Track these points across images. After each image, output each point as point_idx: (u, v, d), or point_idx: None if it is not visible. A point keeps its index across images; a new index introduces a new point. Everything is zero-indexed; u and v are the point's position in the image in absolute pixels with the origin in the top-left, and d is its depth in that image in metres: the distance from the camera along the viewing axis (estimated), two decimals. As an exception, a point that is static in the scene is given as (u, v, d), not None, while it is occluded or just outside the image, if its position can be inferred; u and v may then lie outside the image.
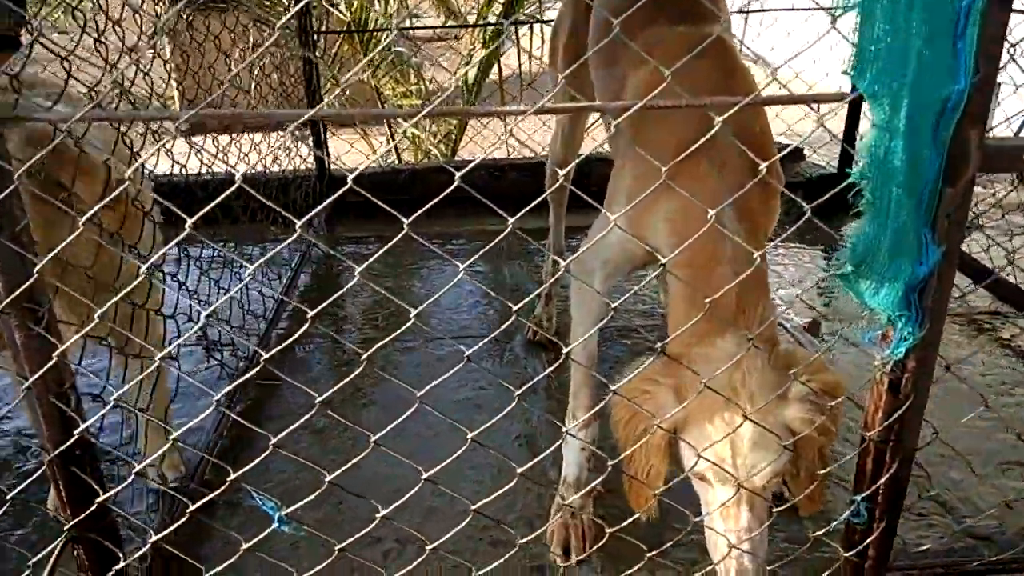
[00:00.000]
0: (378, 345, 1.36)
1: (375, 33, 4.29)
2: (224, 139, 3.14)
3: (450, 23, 4.48)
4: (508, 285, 3.39)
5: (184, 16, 3.05)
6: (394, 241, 1.23)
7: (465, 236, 3.87)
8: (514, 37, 4.37)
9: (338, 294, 1.40)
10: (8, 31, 1.23)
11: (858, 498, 1.47)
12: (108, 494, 1.34)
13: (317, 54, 4.16)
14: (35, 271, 1.17)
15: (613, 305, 1.69)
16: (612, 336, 2.91)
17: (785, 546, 1.94)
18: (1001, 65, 1.24)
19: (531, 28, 4.23)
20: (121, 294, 1.25)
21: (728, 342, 1.49)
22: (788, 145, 3.23)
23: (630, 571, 1.59)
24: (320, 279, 3.50)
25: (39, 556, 1.48)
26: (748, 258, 1.55)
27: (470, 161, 4.38)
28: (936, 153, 1.25)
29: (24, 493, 1.42)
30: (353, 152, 4.33)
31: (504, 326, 1.80)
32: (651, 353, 1.52)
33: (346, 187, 1.15)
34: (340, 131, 4.43)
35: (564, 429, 1.89)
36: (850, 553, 1.53)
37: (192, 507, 1.34)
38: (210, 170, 3.05)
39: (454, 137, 4.72)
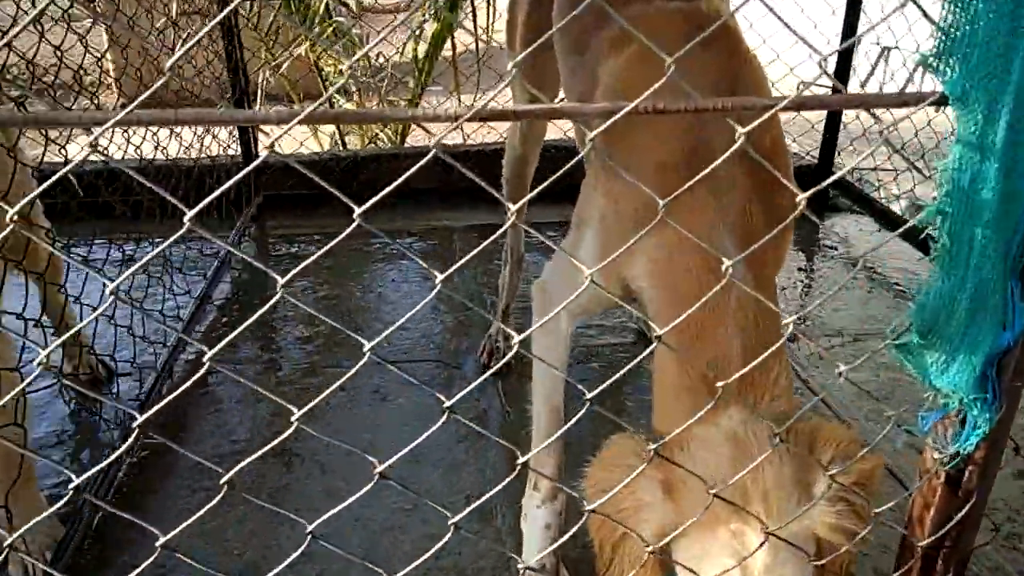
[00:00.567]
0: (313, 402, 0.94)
1: (312, 2, 3.82)
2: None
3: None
4: (460, 294, 2.97)
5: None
6: (339, 239, 0.85)
7: (414, 233, 3.45)
8: (469, 10, 3.93)
9: (250, 320, 0.99)
10: None
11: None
12: None
13: (247, 24, 3.69)
14: None
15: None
16: (577, 356, 2.54)
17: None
18: None
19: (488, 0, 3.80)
20: None
21: (733, 420, 1.11)
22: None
23: None
24: (245, 288, 3.04)
25: None
26: (757, 308, 1.18)
27: (420, 148, 3.98)
28: (1040, 180, 0.88)
29: None
30: (290, 137, 3.87)
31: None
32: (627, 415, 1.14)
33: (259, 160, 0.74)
34: (272, 109, 3.95)
35: (523, 511, 1.52)
36: None
37: None
38: (138, 151, 2.63)
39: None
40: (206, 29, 0.86)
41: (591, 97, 1.53)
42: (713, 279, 1.21)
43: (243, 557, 1.82)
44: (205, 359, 0.84)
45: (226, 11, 0.82)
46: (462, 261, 0.89)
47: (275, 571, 0.96)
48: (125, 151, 2.66)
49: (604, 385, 0.91)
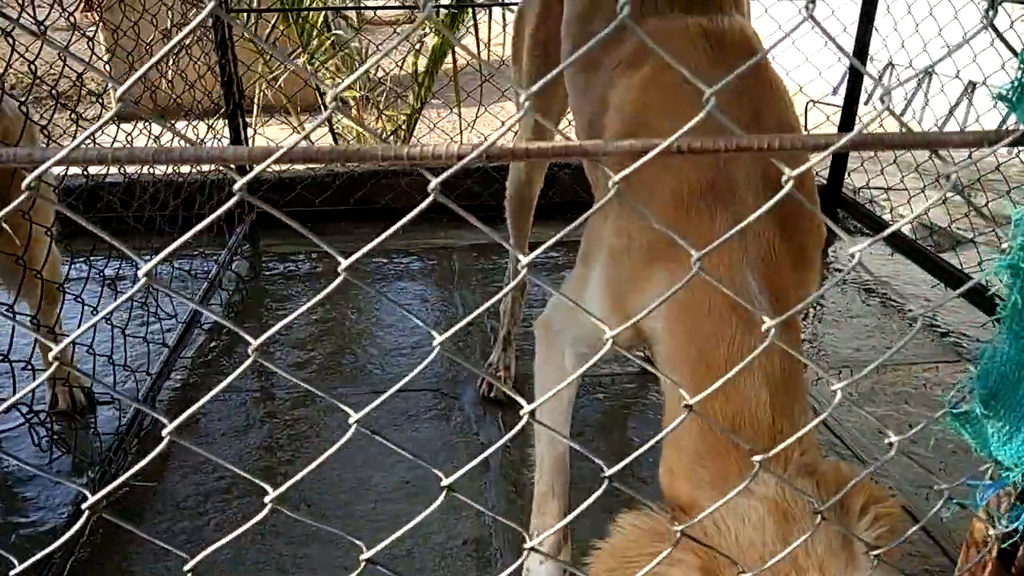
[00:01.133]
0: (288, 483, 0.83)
1: (309, 13, 3.72)
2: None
3: (392, 4, 3.92)
4: (460, 318, 2.86)
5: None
6: (325, 291, 0.73)
7: (413, 253, 3.34)
8: (471, 24, 3.84)
9: (220, 387, 0.88)
10: None
11: None
12: None
13: (244, 35, 3.59)
14: None
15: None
16: (581, 387, 2.42)
17: None
18: None
19: (489, 12, 3.70)
20: None
21: (770, 488, 1.00)
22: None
23: None
24: (235, 309, 2.92)
25: None
26: (783, 353, 1.07)
27: (407, 161, 3.84)
28: (1123, 231, 0.77)
29: None
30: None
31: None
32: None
33: (234, 199, 0.63)
34: (269, 123, 3.86)
35: (525, 565, 1.40)
36: None
37: None
38: (122, 170, 2.52)
39: (403, 134, 4.17)
40: (183, 34, 0.75)
41: (600, 122, 1.42)
42: (736, 318, 1.11)
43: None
44: (165, 432, 0.73)
45: (202, 17, 0.71)
46: (461, 324, 0.78)
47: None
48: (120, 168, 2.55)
49: (622, 463, 0.80)
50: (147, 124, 2.77)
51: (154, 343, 2.34)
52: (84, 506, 0.72)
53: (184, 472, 2.06)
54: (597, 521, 1.88)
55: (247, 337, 0.70)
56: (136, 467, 0.73)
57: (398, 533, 0.83)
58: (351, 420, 0.75)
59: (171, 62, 3.02)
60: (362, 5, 4.19)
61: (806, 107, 3.92)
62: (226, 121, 3.26)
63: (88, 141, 0.63)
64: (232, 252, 3.15)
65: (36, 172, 0.62)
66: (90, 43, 4.60)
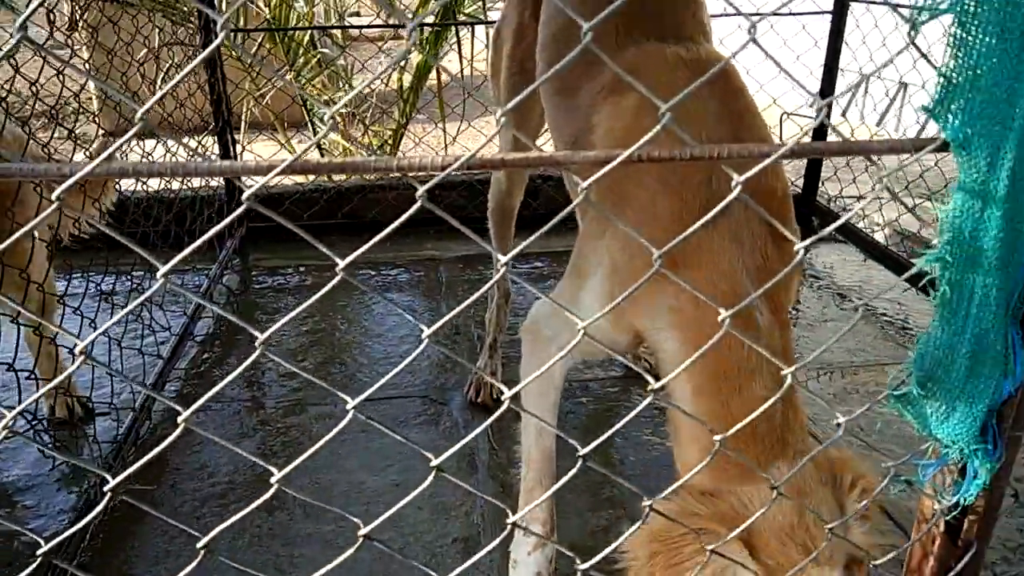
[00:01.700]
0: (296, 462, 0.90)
1: (296, 33, 3.80)
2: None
3: (378, 22, 4.00)
4: (447, 328, 2.93)
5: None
6: (322, 292, 0.81)
7: (400, 265, 3.42)
8: (454, 41, 3.93)
9: (228, 378, 0.95)
10: None
11: None
12: None
13: (233, 54, 3.67)
14: None
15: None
16: (565, 391, 2.48)
17: None
18: None
19: (472, 30, 3.80)
20: None
21: (782, 470, 1.13)
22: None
23: None
24: (226, 322, 2.99)
25: None
26: (785, 359, 1.18)
27: (405, 180, 3.94)
28: (1042, 227, 0.86)
29: None
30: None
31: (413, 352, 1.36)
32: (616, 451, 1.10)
33: (242, 207, 0.71)
34: (256, 139, 3.93)
35: (512, 556, 1.47)
36: None
37: None
38: (116, 186, 2.58)
39: (389, 149, 4.25)
40: (197, 60, 0.83)
41: (586, 140, 1.50)
42: (741, 327, 1.19)
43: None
44: (180, 419, 0.80)
45: (210, 50, 0.79)
46: (449, 316, 0.85)
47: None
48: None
49: (597, 442, 0.88)
50: (140, 141, 2.84)
51: (149, 355, 2.40)
52: (106, 488, 0.79)
53: (180, 478, 2.12)
54: (584, 520, 1.96)
55: (253, 331, 0.77)
56: (155, 450, 0.80)
57: (387, 513, 0.90)
58: (348, 407, 0.82)
59: (161, 80, 3.10)
60: (347, 24, 4.28)
61: (781, 118, 4.04)
62: (215, 137, 3.33)
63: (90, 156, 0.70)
64: (223, 266, 3.21)
65: (64, 185, 0.70)
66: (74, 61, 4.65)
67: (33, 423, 1.89)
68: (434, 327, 0.80)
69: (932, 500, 1.06)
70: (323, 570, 0.90)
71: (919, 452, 1.01)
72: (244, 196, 0.73)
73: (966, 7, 0.75)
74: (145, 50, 3.01)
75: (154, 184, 2.94)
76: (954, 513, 1.04)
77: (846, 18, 3.41)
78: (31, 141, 1.78)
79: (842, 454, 1.22)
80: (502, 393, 0.83)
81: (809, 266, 3.50)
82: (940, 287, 0.87)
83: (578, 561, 0.94)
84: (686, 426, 1.24)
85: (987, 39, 0.76)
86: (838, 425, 0.95)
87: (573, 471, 0.89)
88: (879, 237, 3.60)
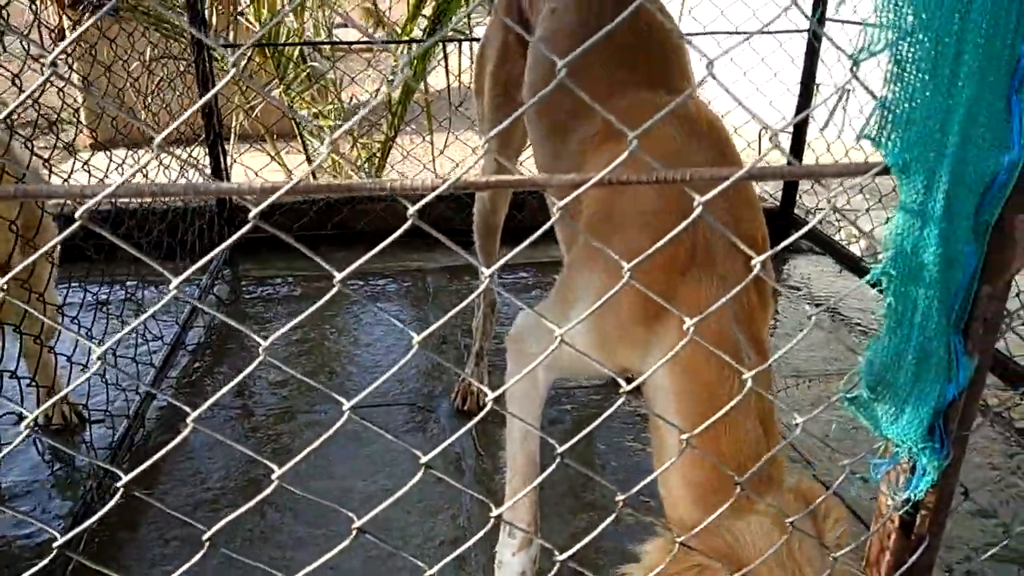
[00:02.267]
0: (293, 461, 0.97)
1: (285, 47, 3.88)
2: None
3: (366, 39, 4.08)
4: (434, 337, 3.01)
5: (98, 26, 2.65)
6: (317, 305, 0.87)
7: (388, 275, 3.49)
8: (441, 56, 4.02)
9: (228, 387, 1.02)
10: None
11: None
12: None
13: (222, 68, 3.73)
14: None
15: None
16: (548, 399, 2.57)
17: None
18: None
19: (459, 46, 3.89)
20: None
21: (769, 505, 1.19)
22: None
23: None
24: (217, 331, 3.05)
25: None
26: (767, 391, 1.26)
27: (390, 192, 4.00)
28: (976, 244, 0.95)
29: None
30: (262, 179, 3.91)
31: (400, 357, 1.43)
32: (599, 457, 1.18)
33: (248, 226, 0.78)
34: (247, 152, 3.99)
35: (498, 558, 1.54)
36: None
37: None
38: (112, 200, 2.63)
39: (377, 161, 4.33)
40: (217, 87, 0.89)
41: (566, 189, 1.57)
42: (730, 373, 1.26)
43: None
44: (189, 419, 0.87)
45: (223, 82, 0.86)
46: (437, 324, 0.93)
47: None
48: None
49: (575, 440, 0.95)
50: (134, 152, 2.90)
51: (143, 363, 2.46)
52: (118, 484, 0.86)
53: (173, 484, 2.17)
54: (566, 522, 2.03)
55: (256, 338, 0.85)
56: (163, 450, 0.87)
57: (381, 507, 0.96)
58: (344, 407, 0.89)
59: (155, 94, 3.16)
60: (336, 40, 4.36)
61: (759, 135, 4.14)
62: (206, 149, 3.40)
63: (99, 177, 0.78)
64: (213, 277, 3.27)
65: (88, 205, 0.77)
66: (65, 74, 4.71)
67: (33, 429, 1.93)
68: (423, 334, 0.87)
69: (887, 497, 1.14)
70: (317, 563, 0.96)
71: (872, 451, 1.09)
72: (251, 215, 0.80)
73: (900, 48, 0.83)
74: (138, 63, 3.07)
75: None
76: (907, 508, 1.11)
77: (821, 38, 3.52)
78: (33, 155, 1.84)
79: (812, 485, 1.28)
80: (485, 397, 0.91)
81: (787, 277, 3.60)
82: (887, 298, 0.96)
83: (556, 553, 1.01)
84: (672, 456, 1.29)
85: (920, 75, 0.84)
86: (796, 425, 1.03)
87: (551, 468, 0.96)
88: (856, 250, 3.70)
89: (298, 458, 0.90)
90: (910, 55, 0.84)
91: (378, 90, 4.06)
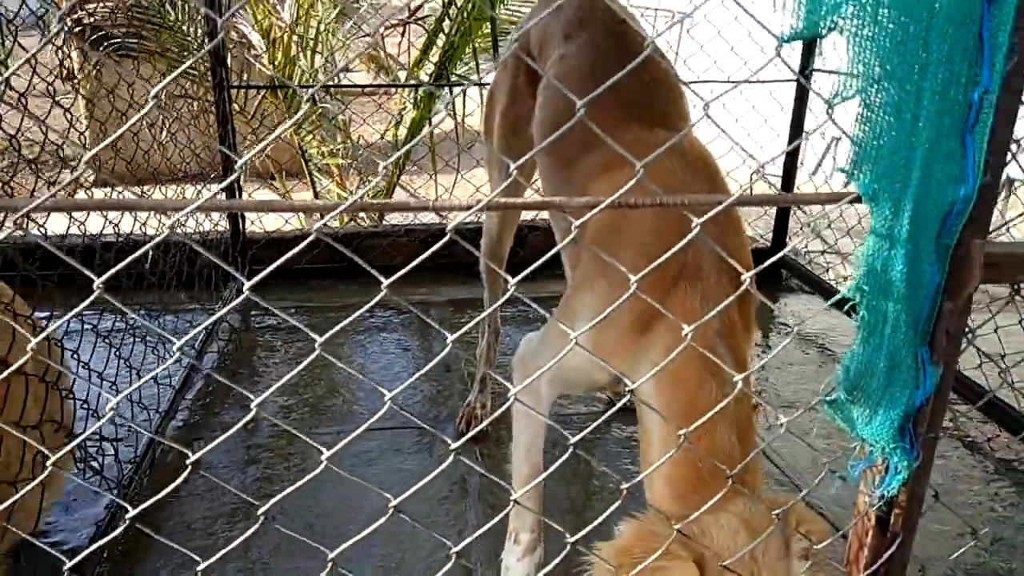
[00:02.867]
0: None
1: (297, 90, 4.06)
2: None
3: (378, 81, 4.27)
4: (439, 364, 3.12)
5: (95, 64, 2.80)
6: (332, 332, 1.00)
7: (393, 308, 3.61)
8: (448, 100, 4.20)
9: (227, 433, 1.14)
10: None
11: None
12: None
13: (235, 108, 3.90)
14: None
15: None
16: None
17: None
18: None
19: (464, 91, 4.07)
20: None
21: (738, 505, 1.31)
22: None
23: None
24: (230, 356, 3.16)
25: None
26: (746, 403, 1.38)
27: (399, 227, 4.18)
28: (938, 264, 1.08)
29: None
30: (274, 216, 4.06)
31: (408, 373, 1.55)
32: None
33: (268, 272, 0.91)
34: (259, 189, 4.15)
35: (504, 563, 1.65)
36: None
37: None
38: (116, 229, 2.75)
39: (381, 199, 4.47)
40: (271, 138, 1.03)
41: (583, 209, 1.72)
42: (710, 380, 1.39)
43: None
44: (188, 462, 0.98)
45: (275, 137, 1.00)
46: (443, 352, 1.05)
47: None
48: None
49: (586, 431, 1.07)
50: (158, 187, 3.04)
51: (163, 384, 2.57)
52: (127, 516, 0.98)
53: (192, 499, 2.27)
54: (566, 525, 2.13)
55: (248, 394, 0.97)
56: (210, 444, 0.99)
57: (417, 486, 1.08)
58: (323, 457, 1.01)
59: (172, 132, 3.31)
60: (346, 83, 4.55)
61: (751, 177, 4.31)
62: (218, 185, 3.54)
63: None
64: (227, 305, 3.39)
65: (19, 215, 0.90)
66: (66, 112, 4.89)
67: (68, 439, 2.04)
68: (458, 333, 1.00)
69: (864, 496, 1.26)
70: (356, 537, 1.07)
71: (849, 451, 1.21)
72: (314, 228, 0.93)
73: (869, 94, 0.98)
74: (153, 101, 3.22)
75: (153, 227, 3.13)
76: (881, 505, 1.23)
77: (808, 88, 3.71)
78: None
79: (789, 498, 1.38)
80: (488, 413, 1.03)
81: (778, 315, 3.74)
82: (860, 311, 1.09)
83: (567, 536, 1.12)
84: (657, 456, 1.42)
85: (887, 118, 0.99)
86: (780, 425, 1.15)
87: (564, 457, 1.08)
88: (843, 289, 3.84)
89: (337, 448, 1.01)
90: (878, 100, 0.99)
91: (418, 129, 4.22)
